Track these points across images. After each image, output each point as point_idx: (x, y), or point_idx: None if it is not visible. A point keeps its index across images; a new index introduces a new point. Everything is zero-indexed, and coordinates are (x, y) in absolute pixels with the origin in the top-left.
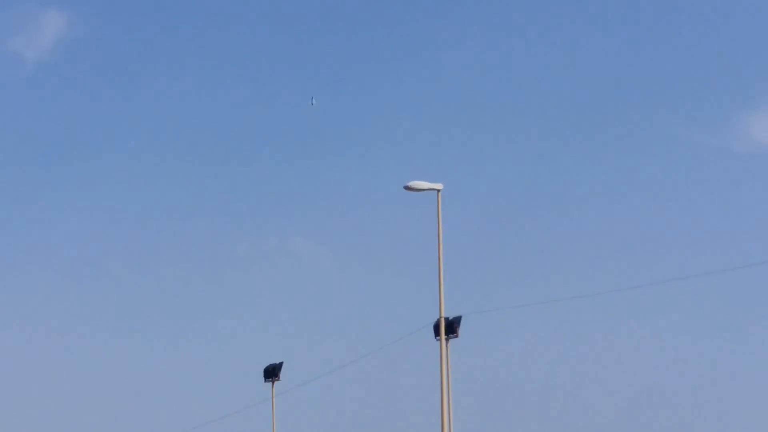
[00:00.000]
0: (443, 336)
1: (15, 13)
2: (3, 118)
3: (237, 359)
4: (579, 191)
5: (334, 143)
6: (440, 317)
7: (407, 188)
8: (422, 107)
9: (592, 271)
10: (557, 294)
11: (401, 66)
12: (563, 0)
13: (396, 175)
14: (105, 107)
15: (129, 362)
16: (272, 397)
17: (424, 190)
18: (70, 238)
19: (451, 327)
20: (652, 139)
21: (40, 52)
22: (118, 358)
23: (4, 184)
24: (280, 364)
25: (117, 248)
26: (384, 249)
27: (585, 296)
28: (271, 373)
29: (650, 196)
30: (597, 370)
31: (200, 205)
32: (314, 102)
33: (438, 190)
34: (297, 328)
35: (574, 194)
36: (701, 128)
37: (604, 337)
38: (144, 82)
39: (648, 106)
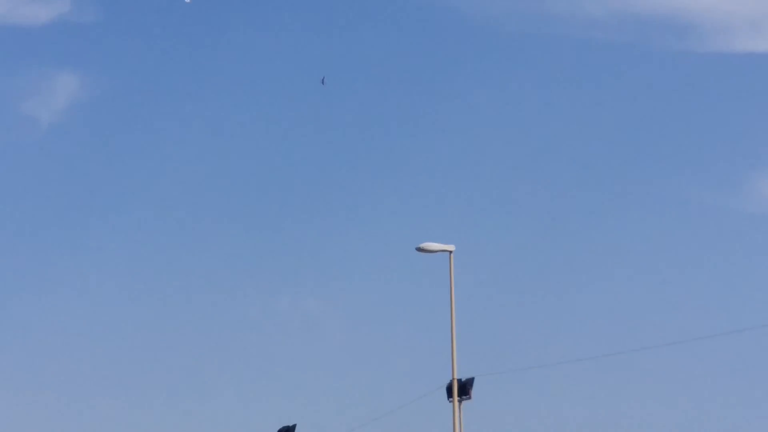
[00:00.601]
0: (456, 398)
1: (29, 77)
2: (16, 180)
3: (250, 421)
4: (591, 253)
5: (346, 204)
6: (453, 379)
7: (419, 249)
8: (434, 168)
9: (605, 333)
10: (570, 356)
11: (413, 126)
12: (572, 62)
13: (408, 236)
14: (116, 169)
15: (139, 425)
16: None
17: (436, 251)
18: (82, 297)
19: (464, 389)
20: (664, 201)
21: (54, 114)
22: (128, 421)
23: (14, 245)
24: (293, 427)
25: (130, 308)
26: (396, 310)
27: (598, 357)
28: None
29: (662, 257)
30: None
31: (212, 267)
32: (325, 81)
33: (450, 252)
34: (310, 389)
35: (586, 256)
36: (713, 189)
37: (617, 398)
38: (155, 144)
39: (659, 167)
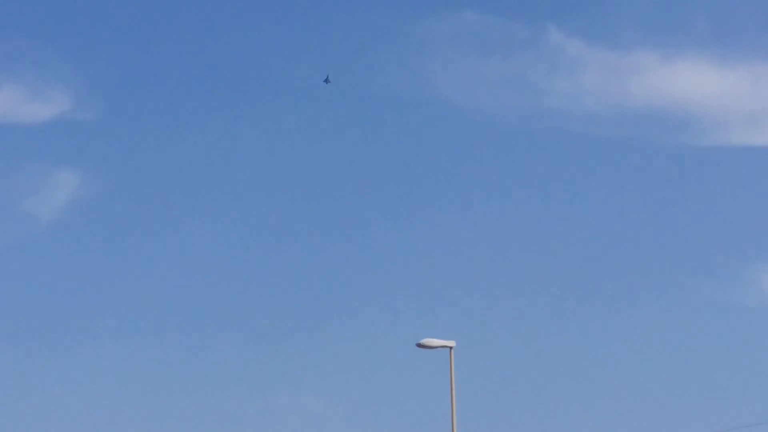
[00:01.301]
0: None
1: (29, 174)
2: (14, 277)
3: None
4: (591, 349)
5: (345, 299)
6: None
7: (419, 345)
8: (433, 263)
9: None
10: None
11: (411, 221)
12: (571, 156)
13: (408, 332)
14: (115, 267)
15: None
16: None
17: (436, 347)
18: (76, 398)
19: None
20: (663, 294)
21: (53, 212)
22: None
23: (12, 343)
24: None
25: (123, 410)
26: (396, 407)
27: None
28: None
29: (662, 352)
30: None
31: (209, 364)
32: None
33: (450, 348)
34: None
35: (587, 352)
36: (712, 282)
37: None
38: (155, 242)
39: (659, 261)
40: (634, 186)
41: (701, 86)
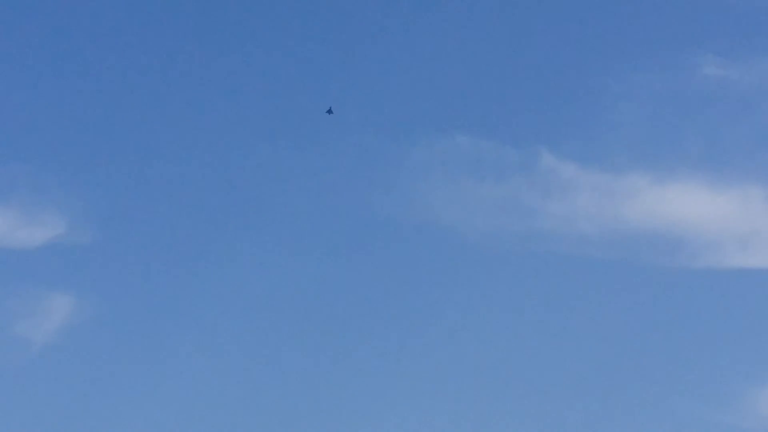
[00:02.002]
0: None
1: (23, 298)
2: (9, 401)
3: None
4: None
5: (337, 425)
6: None
7: None
8: (428, 386)
9: None
10: None
11: (407, 343)
12: (565, 278)
13: None
14: (108, 390)
15: None
16: None
17: None
18: None
19: None
20: (659, 417)
21: (47, 335)
22: None
23: None
24: None
25: None
26: None
27: None
28: None
29: None
30: None
31: None
32: (332, 111)
33: None
34: None
35: None
36: (707, 405)
37: None
38: (148, 366)
39: (656, 383)
40: (629, 308)
41: (694, 208)
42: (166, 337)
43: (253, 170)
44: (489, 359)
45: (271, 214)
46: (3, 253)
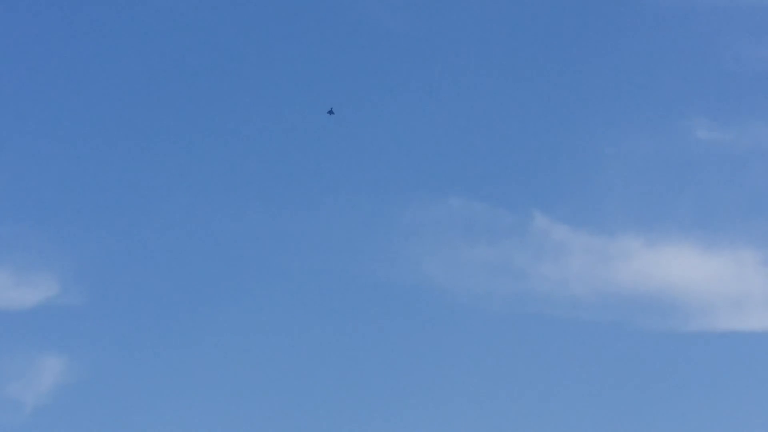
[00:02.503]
0: None
1: (14, 360)
2: None
3: None
4: None
5: None
6: None
7: None
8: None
9: None
10: None
11: (402, 406)
12: (557, 340)
13: None
14: None
15: None
16: None
17: None
18: None
19: None
20: None
21: (39, 397)
22: None
23: None
24: None
25: None
26: None
27: None
28: None
29: None
30: None
31: None
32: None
33: None
34: None
35: None
36: None
37: None
38: (139, 428)
39: None
40: (621, 371)
41: (687, 271)
42: (159, 400)
43: (244, 232)
44: (481, 422)
45: (262, 276)
46: None
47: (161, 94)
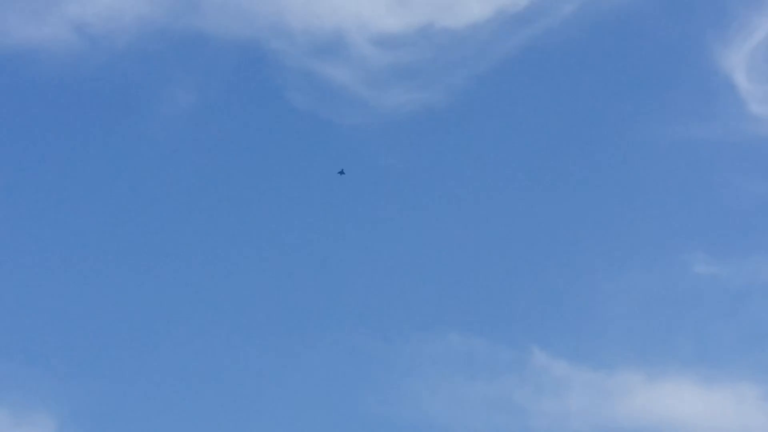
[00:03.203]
0: None
1: None
2: None
3: None
4: None
5: None
6: None
7: None
8: None
9: None
10: None
11: None
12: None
13: None
14: None
15: None
16: None
17: None
18: None
19: None
20: None
21: None
22: None
23: None
24: None
25: None
26: None
27: None
28: None
29: None
30: None
31: None
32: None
33: None
34: None
35: None
36: None
37: None
38: None
39: None
40: None
41: (687, 406)
42: None
43: (242, 368)
44: None
45: (261, 413)
46: None
47: (159, 228)
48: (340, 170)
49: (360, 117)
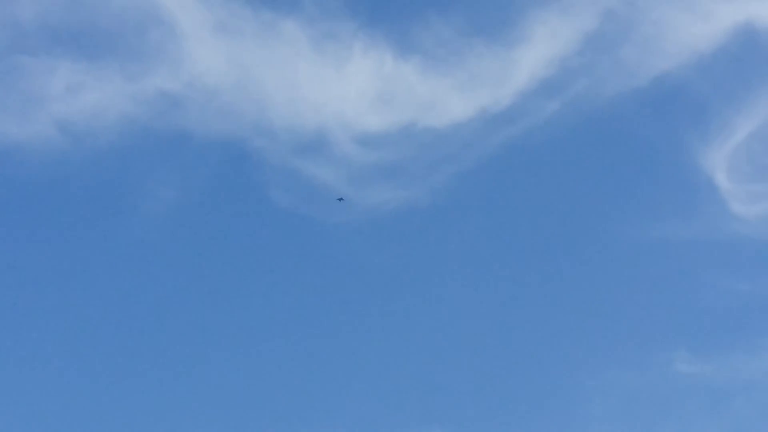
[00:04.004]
0: None
1: None
2: None
3: None
4: None
5: None
6: None
7: None
8: None
9: None
10: None
11: None
12: None
13: None
14: None
15: None
16: None
17: None
18: None
19: None
20: None
21: None
22: None
23: None
24: None
25: None
26: None
27: None
28: None
29: None
30: None
31: None
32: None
33: None
34: None
35: None
36: None
37: None
38: None
39: None
40: None
41: None
42: None
43: None
44: None
45: None
46: None
47: (139, 327)
48: (340, 198)
49: (343, 215)
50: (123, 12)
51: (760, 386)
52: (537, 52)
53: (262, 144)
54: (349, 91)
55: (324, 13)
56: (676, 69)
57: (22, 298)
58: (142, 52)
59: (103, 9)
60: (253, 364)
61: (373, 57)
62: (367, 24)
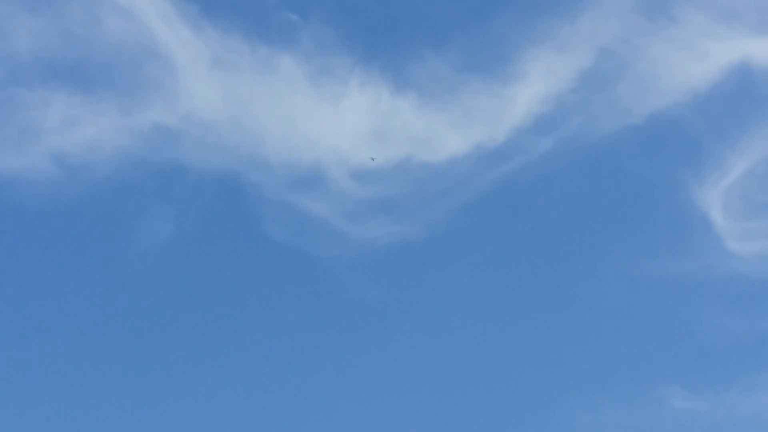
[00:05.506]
0: None
1: None
2: None
3: None
4: None
5: None
6: None
7: None
8: None
9: None
10: None
11: None
12: None
13: None
14: None
15: None
16: None
17: None
18: None
19: None
20: None
21: None
22: None
23: None
24: None
25: None
26: None
27: None
28: None
29: None
30: None
31: None
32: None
33: None
34: None
35: None
36: None
37: None
38: None
39: None
40: None
41: None
42: None
43: None
44: None
45: None
46: None
47: (135, 358)
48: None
49: (338, 249)
50: (119, 46)
51: (755, 423)
52: (532, 89)
53: (258, 178)
54: (345, 126)
55: (320, 48)
56: (672, 107)
57: (17, 330)
58: (139, 86)
59: (99, 43)
60: (247, 398)
61: (369, 92)
62: (363, 60)
